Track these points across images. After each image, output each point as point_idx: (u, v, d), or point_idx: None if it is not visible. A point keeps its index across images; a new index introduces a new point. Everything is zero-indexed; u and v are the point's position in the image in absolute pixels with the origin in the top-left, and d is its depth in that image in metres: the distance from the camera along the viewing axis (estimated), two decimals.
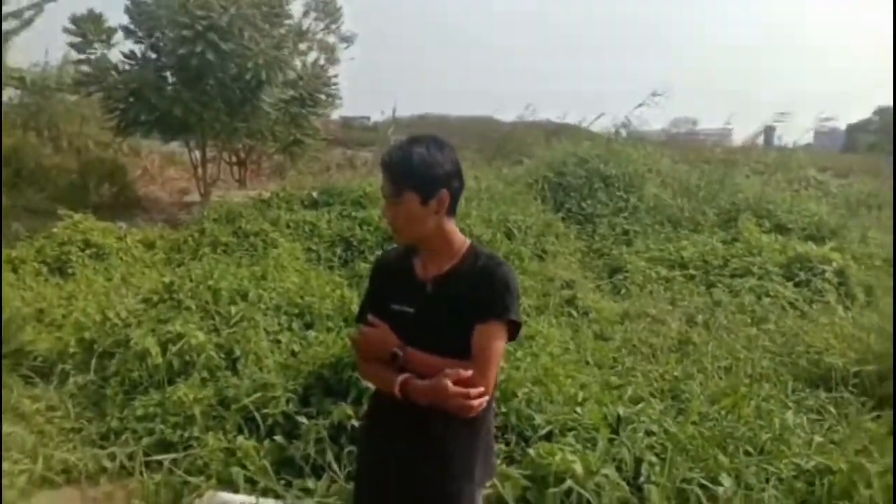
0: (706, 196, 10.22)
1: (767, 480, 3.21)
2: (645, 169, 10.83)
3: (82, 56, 10.68)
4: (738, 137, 15.41)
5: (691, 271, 7.66)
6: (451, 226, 2.03)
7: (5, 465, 3.00)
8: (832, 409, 4.22)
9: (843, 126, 31.02)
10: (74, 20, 10.44)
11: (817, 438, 3.54)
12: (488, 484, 2.29)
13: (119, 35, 10.64)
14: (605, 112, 13.83)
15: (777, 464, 3.30)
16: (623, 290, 7.35)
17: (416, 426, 1.98)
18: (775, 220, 9.20)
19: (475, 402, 1.85)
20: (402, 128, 15.72)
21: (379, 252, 2.25)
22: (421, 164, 1.93)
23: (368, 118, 22.90)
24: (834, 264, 7.18)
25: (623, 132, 12.97)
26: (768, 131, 17.69)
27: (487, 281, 1.96)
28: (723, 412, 3.82)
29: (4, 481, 2.76)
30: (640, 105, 12.18)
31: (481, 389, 1.87)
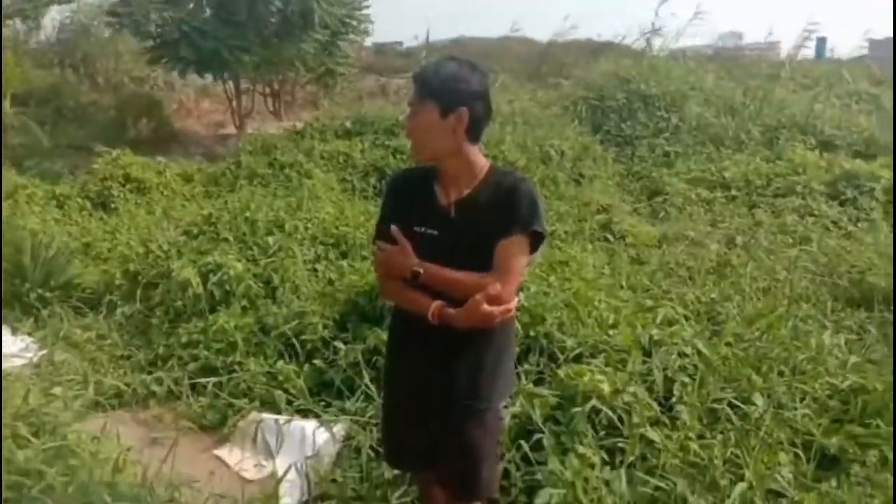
0: (750, 114, 9.85)
1: (801, 400, 3.20)
2: (687, 87, 10.45)
3: None
4: (787, 51, 14.66)
5: (733, 192, 7.49)
6: (474, 150, 2.01)
7: (59, 391, 3.17)
8: (872, 329, 4.15)
9: None
10: None
11: (854, 359, 3.49)
12: (510, 396, 2.34)
13: None
14: (648, 29, 13.13)
15: (812, 384, 3.28)
16: (662, 214, 7.25)
17: (445, 343, 2.01)
18: (822, 136, 8.87)
19: (509, 315, 1.94)
20: (436, 52, 15.38)
21: None
22: (447, 76, 1.94)
23: (401, 43, 22.35)
24: (883, 181, 6.91)
25: (653, 42, 12.44)
26: (819, 44, 16.84)
27: (510, 197, 1.97)
28: (758, 333, 3.78)
29: (59, 405, 2.92)
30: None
31: (516, 302, 1.95)
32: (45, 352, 4.13)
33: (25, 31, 12.98)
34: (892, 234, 5.68)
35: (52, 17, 13.14)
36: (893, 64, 12.00)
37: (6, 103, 9.43)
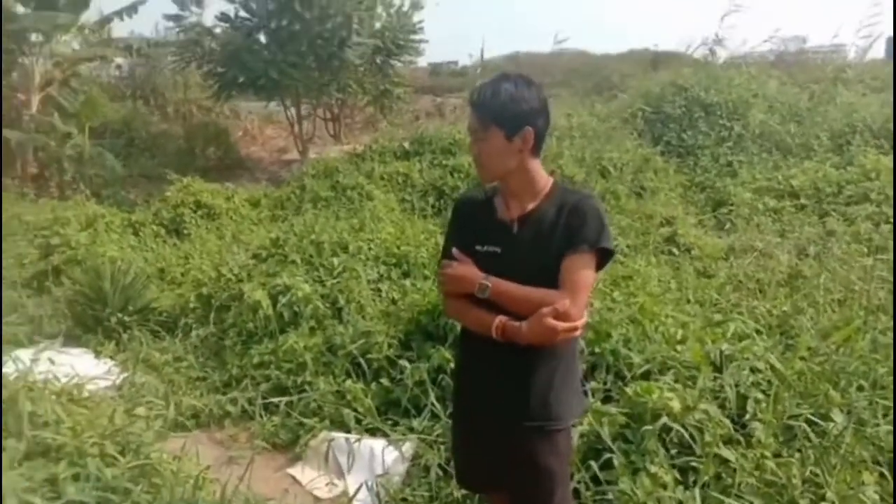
0: (818, 119, 9.55)
1: (884, 416, 3.07)
2: (750, 94, 10.21)
3: (178, 24, 11.17)
4: (853, 53, 14.16)
5: (802, 201, 7.26)
6: (536, 165, 2.02)
7: (141, 411, 3.30)
8: None
9: None
10: None
11: None
12: (580, 416, 2.32)
13: None
14: (706, 36, 12.94)
15: None
16: (728, 225, 7.10)
17: (511, 362, 2.00)
18: None
19: (577, 333, 1.92)
20: (491, 70, 15.48)
21: None
22: (507, 100, 1.93)
23: (456, 62, 22.62)
24: None
25: (717, 51, 12.23)
26: (889, 44, 16.18)
27: (576, 214, 1.96)
28: (834, 346, 3.65)
29: (142, 425, 3.05)
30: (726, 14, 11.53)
31: (585, 320, 1.93)
32: (126, 374, 4.32)
33: (98, 66, 13.65)
34: None
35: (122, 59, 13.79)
36: (893, 64, 11.56)
37: (84, 137, 9.93)
